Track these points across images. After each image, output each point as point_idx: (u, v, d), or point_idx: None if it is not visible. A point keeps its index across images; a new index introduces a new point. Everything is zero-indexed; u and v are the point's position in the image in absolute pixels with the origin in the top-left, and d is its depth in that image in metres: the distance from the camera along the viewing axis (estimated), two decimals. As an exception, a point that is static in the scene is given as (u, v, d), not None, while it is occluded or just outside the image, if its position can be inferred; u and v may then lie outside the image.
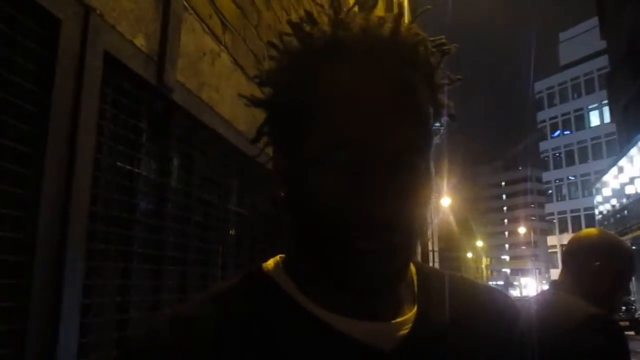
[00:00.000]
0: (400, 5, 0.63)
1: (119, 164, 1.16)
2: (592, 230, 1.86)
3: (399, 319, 0.59)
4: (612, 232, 1.96)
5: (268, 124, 0.65)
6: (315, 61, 0.58)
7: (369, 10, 0.60)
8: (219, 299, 0.61)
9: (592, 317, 1.52)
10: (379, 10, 0.62)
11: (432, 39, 0.62)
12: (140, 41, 1.22)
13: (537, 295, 1.91)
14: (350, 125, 0.53)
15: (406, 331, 0.58)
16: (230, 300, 0.61)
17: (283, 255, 0.66)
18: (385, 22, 0.57)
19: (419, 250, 14.35)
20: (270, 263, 0.65)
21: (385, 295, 0.59)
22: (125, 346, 0.59)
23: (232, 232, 1.85)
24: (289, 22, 0.61)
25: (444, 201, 42.58)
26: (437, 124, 0.63)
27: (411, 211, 0.54)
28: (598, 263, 1.65)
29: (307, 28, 0.60)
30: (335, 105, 0.54)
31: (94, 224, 1.05)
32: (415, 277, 0.66)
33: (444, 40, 0.63)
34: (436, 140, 0.63)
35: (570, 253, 1.77)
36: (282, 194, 0.62)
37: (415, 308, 0.61)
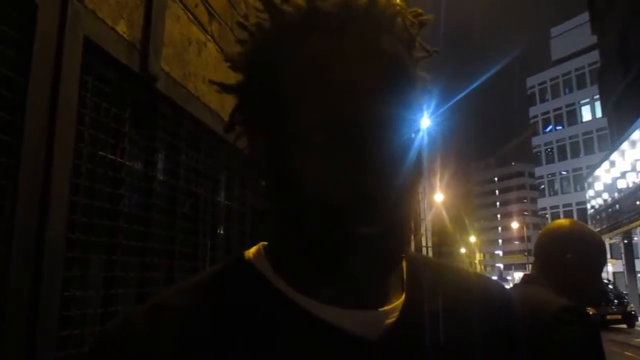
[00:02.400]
0: None
1: (101, 153, 1.14)
2: (562, 222, 1.85)
3: (386, 307, 0.57)
4: (584, 223, 1.94)
5: (241, 111, 0.62)
6: (290, 37, 0.55)
7: None
8: (197, 288, 0.59)
9: (564, 309, 1.51)
10: None
11: (411, 10, 0.60)
12: (122, 28, 1.19)
13: (510, 288, 1.90)
14: (333, 101, 0.49)
15: (393, 319, 0.56)
16: (209, 289, 0.58)
17: (265, 243, 0.64)
18: None
19: (412, 245, 14.38)
20: (252, 250, 0.63)
21: (377, 282, 0.57)
22: (99, 337, 0.57)
23: (220, 225, 1.82)
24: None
25: (438, 197, 42.76)
26: (423, 100, 0.61)
27: (403, 188, 0.51)
28: (569, 255, 1.64)
29: (280, 4, 0.57)
30: (314, 81, 0.51)
31: (74, 215, 1.02)
32: (404, 264, 0.64)
33: (420, 11, 0.61)
34: (423, 116, 0.61)
35: (542, 246, 1.75)
36: (263, 183, 0.60)
37: (404, 296, 0.59)
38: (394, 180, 0.50)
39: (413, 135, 0.53)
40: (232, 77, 0.65)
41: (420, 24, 0.59)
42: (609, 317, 17.10)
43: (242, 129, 0.62)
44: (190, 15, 1.57)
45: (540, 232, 1.84)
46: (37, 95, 0.93)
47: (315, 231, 0.52)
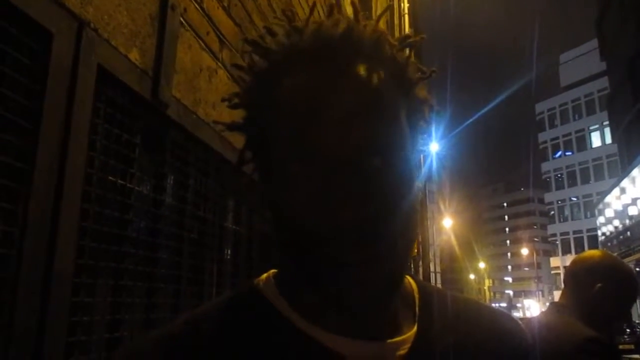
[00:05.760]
0: (355, 5, 0.63)
1: (111, 179, 1.15)
2: (594, 252, 1.84)
3: (396, 339, 0.57)
4: (615, 255, 1.93)
5: (247, 148, 0.63)
6: (275, 74, 0.57)
7: (330, 15, 0.57)
8: (206, 318, 0.59)
9: (590, 340, 1.49)
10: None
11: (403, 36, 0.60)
12: (135, 56, 1.22)
13: (537, 316, 1.88)
14: (311, 133, 0.51)
15: (404, 352, 0.56)
16: (219, 319, 0.59)
17: (275, 271, 0.65)
18: (339, 23, 0.56)
19: (420, 271, 14.23)
20: (262, 278, 0.64)
21: (379, 311, 0.56)
22: None
23: (228, 250, 1.82)
24: (245, 40, 0.61)
25: (446, 222, 42.46)
26: (421, 122, 0.61)
27: (390, 214, 0.50)
28: (599, 285, 1.62)
29: (268, 42, 0.59)
30: (295, 114, 0.53)
31: (83, 240, 1.03)
32: (417, 296, 0.63)
33: (408, 34, 0.62)
34: (421, 139, 0.61)
35: (572, 274, 1.75)
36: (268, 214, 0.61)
37: (415, 327, 0.59)
38: (377, 209, 0.50)
39: (402, 159, 0.53)
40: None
41: (408, 47, 0.60)
42: (621, 347, 16.77)
43: (252, 163, 0.63)
44: (202, 43, 1.59)
45: (571, 260, 1.84)
46: (50, 123, 0.94)
47: (307, 261, 0.53)
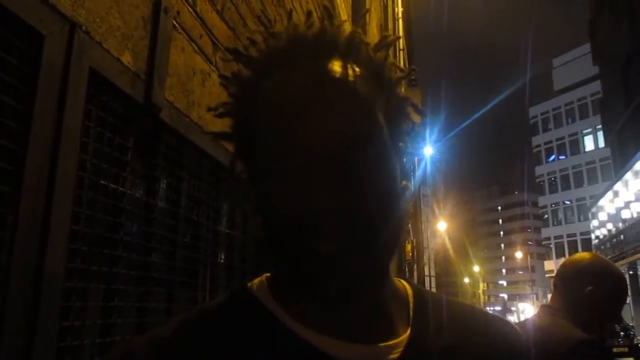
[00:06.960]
0: (327, 8, 0.66)
1: (103, 182, 1.14)
2: (584, 255, 1.84)
3: (388, 342, 0.57)
4: (606, 257, 1.94)
5: (236, 155, 0.65)
6: (256, 80, 0.59)
7: (307, 20, 0.60)
8: (199, 320, 0.60)
9: (583, 342, 1.50)
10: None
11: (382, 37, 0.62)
12: (127, 59, 1.21)
13: (530, 318, 1.88)
14: (289, 127, 0.52)
15: (396, 356, 0.56)
16: (211, 320, 0.60)
17: (268, 274, 0.65)
18: (313, 25, 0.58)
19: (415, 275, 14.24)
20: (256, 281, 0.64)
21: (364, 306, 0.56)
22: None
23: (221, 254, 1.82)
24: (227, 50, 0.63)
25: (441, 226, 42.54)
26: (404, 120, 0.62)
27: (370, 203, 0.51)
28: (590, 288, 1.63)
29: (249, 50, 0.61)
30: (272, 114, 0.54)
31: (74, 244, 1.02)
32: (411, 299, 0.64)
33: (385, 35, 0.65)
34: (405, 136, 0.62)
35: (562, 277, 1.75)
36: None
37: (409, 331, 0.59)
38: (354, 198, 0.50)
39: (381, 152, 0.54)
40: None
41: (384, 46, 0.62)
42: (615, 349, 16.82)
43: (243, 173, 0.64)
44: (195, 46, 1.59)
45: (562, 263, 1.83)
46: (41, 126, 0.94)
47: (292, 257, 0.53)
